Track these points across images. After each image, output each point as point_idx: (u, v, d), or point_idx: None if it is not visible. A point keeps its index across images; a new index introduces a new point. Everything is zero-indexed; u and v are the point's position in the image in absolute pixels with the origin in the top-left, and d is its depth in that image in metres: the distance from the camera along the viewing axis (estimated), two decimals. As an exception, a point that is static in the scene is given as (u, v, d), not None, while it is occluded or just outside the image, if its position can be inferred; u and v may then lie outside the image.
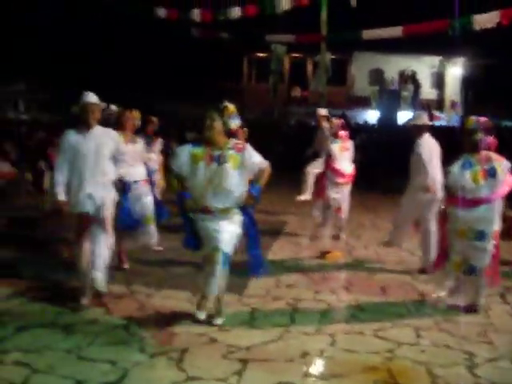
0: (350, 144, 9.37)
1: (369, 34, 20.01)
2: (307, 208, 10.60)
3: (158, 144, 9.08)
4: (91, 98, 5.94)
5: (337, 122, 9.48)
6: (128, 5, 17.02)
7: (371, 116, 28.89)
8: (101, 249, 5.88)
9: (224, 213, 5.16)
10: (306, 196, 11.05)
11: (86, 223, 5.89)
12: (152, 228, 7.21)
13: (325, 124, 10.81)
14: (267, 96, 29.25)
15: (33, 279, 6.83)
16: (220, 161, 5.10)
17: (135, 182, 7.03)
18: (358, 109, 30.53)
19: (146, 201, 7.14)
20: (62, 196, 5.83)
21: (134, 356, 4.76)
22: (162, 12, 15.34)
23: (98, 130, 5.96)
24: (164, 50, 27.72)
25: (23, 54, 27.38)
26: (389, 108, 27.66)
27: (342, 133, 9.29)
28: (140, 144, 7.24)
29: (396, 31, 19.41)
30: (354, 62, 33.86)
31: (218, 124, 5.12)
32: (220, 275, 5.20)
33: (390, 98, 29.33)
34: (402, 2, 23.73)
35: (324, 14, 22.66)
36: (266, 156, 5.45)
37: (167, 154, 8.83)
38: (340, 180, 9.11)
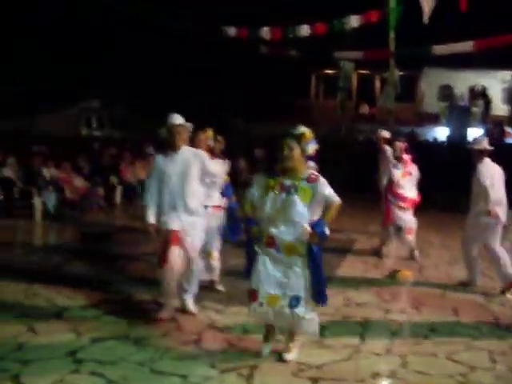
0: (413, 168, 9.26)
1: (439, 49, 19.68)
2: (375, 226, 10.50)
3: (225, 164, 8.89)
4: (177, 119, 6.02)
5: (400, 145, 9.34)
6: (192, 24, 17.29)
7: (441, 133, 28.36)
8: (190, 274, 6.12)
9: (287, 250, 4.86)
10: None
11: (173, 241, 5.89)
12: (213, 264, 7.04)
13: (386, 147, 10.59)
14: (335, 113, 29.14)
15: (105, 292, 7.01)
16: (290, 191, 4.81)
17: (205, 206, 6.62)
18: (428, 126, 30.04)
19: (210, 231, 6.77)
20: (150, 218, 5.98)
21: (204, 371, 4.81)
22: (231, 30, 15.54)
23: (185, 151, 6.03)
24: (232, 67, 28.04)
25: (98, 72, 28.16)
26: (459, 125, 27.10)
27: (406, 157, 9.21)
28: (219, 165, 7.03)
29: (467, 46, 19.03)
30: (423, 77, 33.36)
31: (296, 153, 4.83)
32: (289, 316, 4.92)
33: (459, 115, 28.71)
34: (472, 15, 23.29)
35: (392, 30, 22.46)
36: (334, 173, 5.42)
37: (235, 173, 8.77)
38: (403, 204, 9.13)
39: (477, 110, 31.24)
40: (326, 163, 10.25)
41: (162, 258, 5.90)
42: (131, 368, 4.82)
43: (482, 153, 7.36)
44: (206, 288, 6.91)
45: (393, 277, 8.14)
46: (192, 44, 24.28)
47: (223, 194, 7.19)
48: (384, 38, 21.36)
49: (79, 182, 13.93)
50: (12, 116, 24.90)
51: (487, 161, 7.36)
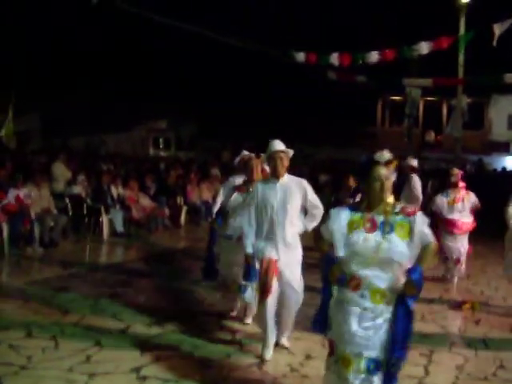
0: (467, 195, 9.34)
1: (511, 77, 19.25)
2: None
3: None
4: (279, 145, 5.69)
5: (458, 172, 9.51)
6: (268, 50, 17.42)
7: (510, 162, 27.71)
8: (288, 309, 5.76)
9: (375, 297, 3.96)
10: None
11: (275, 271, 5.58)
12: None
13: (413, 175, 10.51)
14: (401, 140, 28.87)
15: (170, 310, 7.11)
16: (385, 229, 3.96)
17: None
18: (496, 155, 29.40)
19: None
20: (249, 249, 5.63)
21: (266, 394, 4.82)
22: (300, 56, 15.63)
23: (287, 179, 5.70)
24: (298, 91, 28.19)
25: (166, 93, 28.82)
26: (529, 154, 26.48)
27: (461, 184, 9.35)
28: None
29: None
30: (492, 105, 32.74)
31: (388, 184, 4.05)
32: None
33: (530, 144, 28.07)
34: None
35: (461, 57, 22.12)
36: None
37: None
38: (454, 230, 9.21)
39: (548, 139, 30.44)
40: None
41: (265, 288, 5.54)
42: (195, 388, 4.88)
43: None
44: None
45: (458, 308, 7.96)
46: (259, 68, 24.56)
47: None
48: (451, 64, 21.11)
49: (145, 202, 14.18)
50: (83, 134, 25.74)
51: None
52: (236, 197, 6.62)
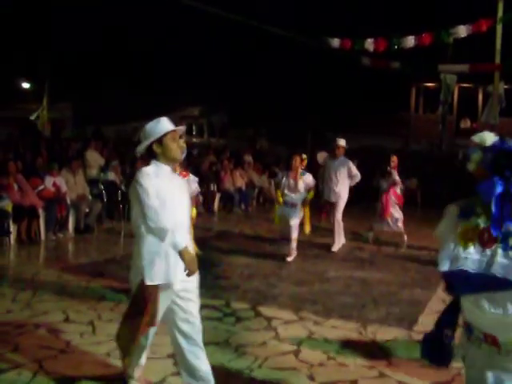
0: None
1: (550, 63, 18.81)
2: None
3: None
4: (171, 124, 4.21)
5: (395, 158, 11.07)
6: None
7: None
8: None
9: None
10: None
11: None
12: None
13: (339, 154, 11.04)
14: (434, 127, 28.41)
15: (206, 298, 7.08)
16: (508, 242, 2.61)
17: None
18: (533, 142, 28.85)
19: None
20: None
21: (303, 382, 4.77)
22: (335, 42, 15.39)
23: None
24: (330, 78, 27.93)
25: (199, 80, 28.87)
26: None
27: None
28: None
29: None
30: (529, 92, 32.06)
31: None
32: None
33: None
34: None
35: (499, 42, 21.58)
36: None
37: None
38: (399, 202, 11.12)
39: None
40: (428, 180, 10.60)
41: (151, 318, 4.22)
42: (231, 375, 4.86)
43: None
44: (305, 299, 6.88)
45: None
46: (292, 56, 24.41)
47: None
48: (488, 49, 20.64)
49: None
50: (115, 122, 25.93)
51: None
52: None
